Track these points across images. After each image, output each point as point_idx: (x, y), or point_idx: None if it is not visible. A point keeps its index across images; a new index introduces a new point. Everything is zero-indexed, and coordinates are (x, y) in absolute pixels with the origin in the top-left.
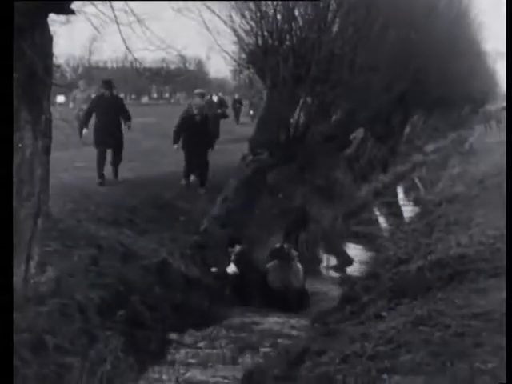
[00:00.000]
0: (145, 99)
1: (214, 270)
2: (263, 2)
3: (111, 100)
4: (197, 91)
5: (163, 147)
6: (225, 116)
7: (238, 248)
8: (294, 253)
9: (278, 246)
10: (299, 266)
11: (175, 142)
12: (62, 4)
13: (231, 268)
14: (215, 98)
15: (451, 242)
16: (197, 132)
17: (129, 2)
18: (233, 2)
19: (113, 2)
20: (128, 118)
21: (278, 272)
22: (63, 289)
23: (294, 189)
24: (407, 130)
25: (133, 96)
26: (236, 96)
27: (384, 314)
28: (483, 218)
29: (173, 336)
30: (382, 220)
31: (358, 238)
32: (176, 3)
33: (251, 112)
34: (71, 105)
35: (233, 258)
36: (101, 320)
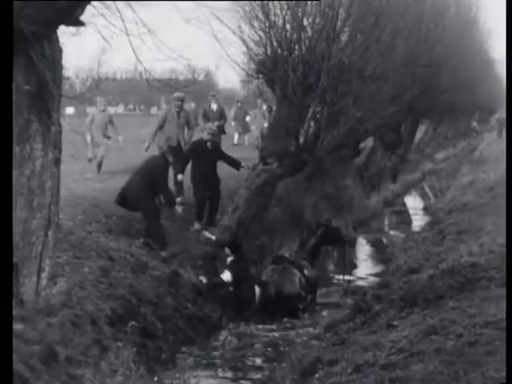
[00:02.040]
0: (154, 110)
1: (202, 278)
2: (272, 11)
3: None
4: (176, 95)
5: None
6: (222, 131)
7: (232, 256)
8: (303, 262)
9: (280, 253)
10: (295, 271)
11: (180, 171)
12: (72, 16)
13: (226, 275)
14: (214, 107)
15: (462, 251)
16: (208, 161)
17: (139, 13)
18: (242, 13)
19: (123, 13)
20: (235, 164)
21: (271, 277)
22: (74, 300)
23: (303, 198)
24: (417, 138)
25: (142, 107)
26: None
27: (395, 323)
28: (494, 227)
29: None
30: (392, 229)
31: (368, 247)
32: (186, 14)
33: (239, 130)
34: (88, 123)
35: (227, 264)
36: (112, 331)
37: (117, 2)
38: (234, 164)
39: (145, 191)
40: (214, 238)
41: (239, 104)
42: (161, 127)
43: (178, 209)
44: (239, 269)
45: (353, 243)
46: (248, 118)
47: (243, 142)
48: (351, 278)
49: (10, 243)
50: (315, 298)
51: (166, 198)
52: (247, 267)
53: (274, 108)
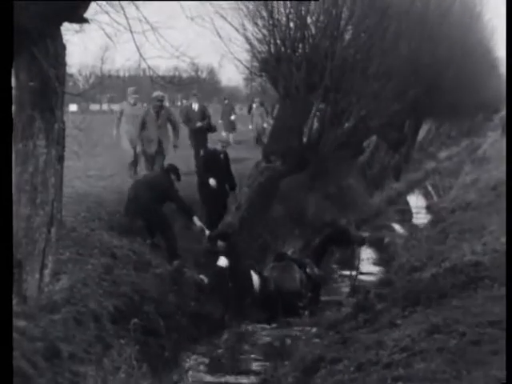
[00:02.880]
0: None
1: (202, 277)
2: (276, 10)
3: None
4: (155, 94)
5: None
6: (212, 129)
7: (224, 243)
8: (306, 260)
9: (282, 251)
10: (296, 268)
11: (206, 177)
12: (75, 13)
13: (222, 261)
14: (195, 106)
15: (465, 250)
16: (220, 173)
17: (142, 10)
18: (245, 10)
19: (126, 10)
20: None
21: (272, 273)
22: (77, 297)
23: (306, 196)
24: (420, 137)
25: (145, 104)
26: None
27: (398, 321)
28: (497, 226)
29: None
30: (395, 227)
31: (371, 246)
32: (189, 11)
33: (223, 134)
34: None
35: (222, 250)
36: (115, 328)
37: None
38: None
39: (154, 203)
40: (207, 232)
41: (226, 101)
42: (142, 129)
43: (197, 222)
44: (233, 257)
45: (362, 243)
46: (233, 117)
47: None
48: (356, 274)
49: (10, 239)
50: (317, 296)
51: (183, 209)
52: (240, 255)
53: (277, 107)
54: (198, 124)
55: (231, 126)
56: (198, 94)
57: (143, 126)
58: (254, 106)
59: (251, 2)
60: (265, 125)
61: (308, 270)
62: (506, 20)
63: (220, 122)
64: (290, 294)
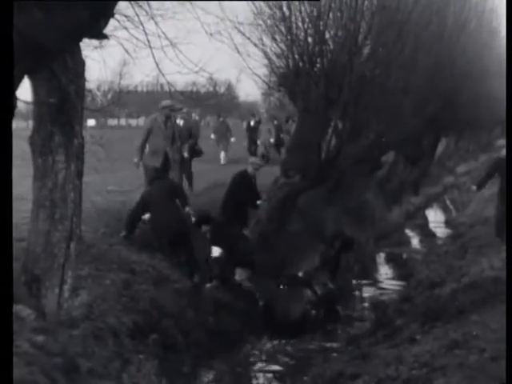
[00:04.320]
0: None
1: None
2: (294, 25)
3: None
4: (164, 103)
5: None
6: (197, 153)
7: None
8: (318, 279)
9: (292, 273)
10: (304, 291)
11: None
12: (95, 29)
13: (215, 251)
14: (180, 122)
15: (484, 265)
16: (247, 198)
17: (161, 26)
18: (264, 26)
19: (145, 26)
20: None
21: (277, 298)
22: (96, 313)
23: (324, 211)
24: (438, 151)
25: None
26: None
27: (418, 337)
28: None
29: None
30: (413, 242)
31: (389, 261)
32: (208, 27)
33: (222, 155)
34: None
35: (209, 239)
36: (134, 344)
37: (140, 15)
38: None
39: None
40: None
41: (221, 119)
42: (146, 139)
43: (190, 211)
44: (219, 235)
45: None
46: (233, 139)
47: (221, 159)
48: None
49: (10, 240)
50: (331, 313)
51: (185, 203)
52: (227, 231)
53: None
54: (186, 145)
55: (227, 145)
56: (183, 107)
57: (148, 136)
58: (252, 122)
59: (270, 16)
60: (272, 140)
61: (317, 289)
62: (506, 18)
63: (213, 136)
64: (294, 319)
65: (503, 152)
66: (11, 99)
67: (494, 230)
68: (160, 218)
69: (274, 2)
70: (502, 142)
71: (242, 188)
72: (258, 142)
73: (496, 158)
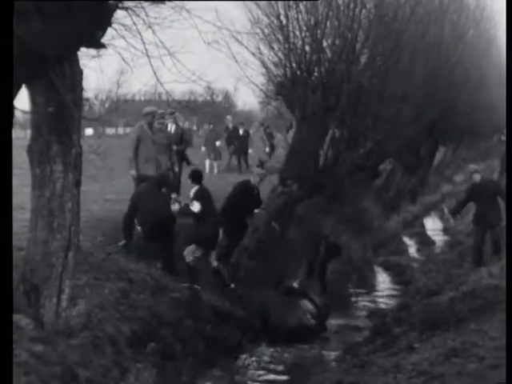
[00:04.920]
0: None
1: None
2: (292, 34)
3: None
4: (147, 109)
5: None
6: (188, 162)
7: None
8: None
9: (290, 285)
10: (302, 302)
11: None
12: (93, 38)
13: (195, 206)
14: (172, 128)
15: (483, 273)
16: (248, 208)
17: (159, 35)
18: (261, 35)
19: (143, 35)
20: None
21: (275, 310)
22: (94, 322)
23: (322, 220)
24: (436, 160)
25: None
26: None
27: (416, 345)
28: None
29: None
30: (411, 251)
31: (387, 270)
32: (206, 36)
33: (210, 157)
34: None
35: (192, 196)
36: (132, 353)
37: (137, 24)
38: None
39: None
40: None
41: (211, 126)
42: (137, 148)
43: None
44: (203, 199)
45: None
46: (218, 143)
47: (213, 169)
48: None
49: (10, 250)
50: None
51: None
52: (210, 198)
53: (291, 131)
54: (174, 148)
55: (216, 154)
56: (176, 111)
57: (137, 145)
58: (241, 131)
59: (267, 26)
60: (267, 149)
61: (316, 299)
62: (506, 18)
63: (203, 149)
64: (293, 330)
65: (475, 177)
66: (11, 109)
67: (472, 257)
68: (146, 208)
69: (272, 11)
70: (474, 166)
71: (243, 198)
72: (250, 151)
73: (470, 185)
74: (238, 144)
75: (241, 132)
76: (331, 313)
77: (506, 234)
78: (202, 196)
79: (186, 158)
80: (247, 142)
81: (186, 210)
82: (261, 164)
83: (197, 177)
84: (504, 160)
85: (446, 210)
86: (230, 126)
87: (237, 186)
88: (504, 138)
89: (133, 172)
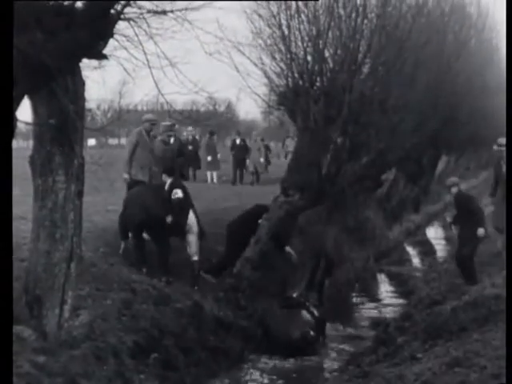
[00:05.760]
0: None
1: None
2: (293, 43)
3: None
4: (146, 117)
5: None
6: (184, 176)
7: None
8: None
9: (289, 295)
10: (303, 314)
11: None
12: (94, 49)
13: (179, 193)
14: (171, 140)
15: (485, 283)
16: (254, 226)
17: (161, 46)
18: (263, 45)
19: (145, 46)
20: None
21: (275, 321)
22: (97, 333)
23: (324, 230)
24: (439, 169)
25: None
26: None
27: (419, 355)
28: None
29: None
30: (414, 260)
31: (390, 279)
32: (207, 47)
33: (214, 174)
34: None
35: (172, 185)
36: (135, 363)
37: (139, 35)
38: None
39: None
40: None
41: (210, 136)
42: (133, 153)
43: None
44: (181, 187)
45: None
46: (219, 156)
47: (213, 178)
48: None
49: (10, 260)
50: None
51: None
52: (185, 186)
53: (293, 140)
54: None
55: (215, 164)
56: (175, 123)
57: (133, 151)
58: (238, 140)
59: (269, 36)
60: (261, 160)
61: (315, 311)
62: (506, 18)
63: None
64: (294, 341)
65: (453, 191)
66: (11, 120)
67: (460, 274)
68: (134, 205)
69: (274, 22)
70: (453, 179)
71: (255, 224)
72: (248, 161)
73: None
74: (235, 154)
75: (237, 142)
76: (334, 322)
77: (506, 239)
78: (180, 184)
79: (182, 171)
80: (244, 152)
81: (174, 199)
82: (256, 172)
83: (170, 171)
84: (498, 169)
85: (448, 220)
86: (238, 141)
87: (255, 207)
88: (496, 147)
89: (126, 176)
